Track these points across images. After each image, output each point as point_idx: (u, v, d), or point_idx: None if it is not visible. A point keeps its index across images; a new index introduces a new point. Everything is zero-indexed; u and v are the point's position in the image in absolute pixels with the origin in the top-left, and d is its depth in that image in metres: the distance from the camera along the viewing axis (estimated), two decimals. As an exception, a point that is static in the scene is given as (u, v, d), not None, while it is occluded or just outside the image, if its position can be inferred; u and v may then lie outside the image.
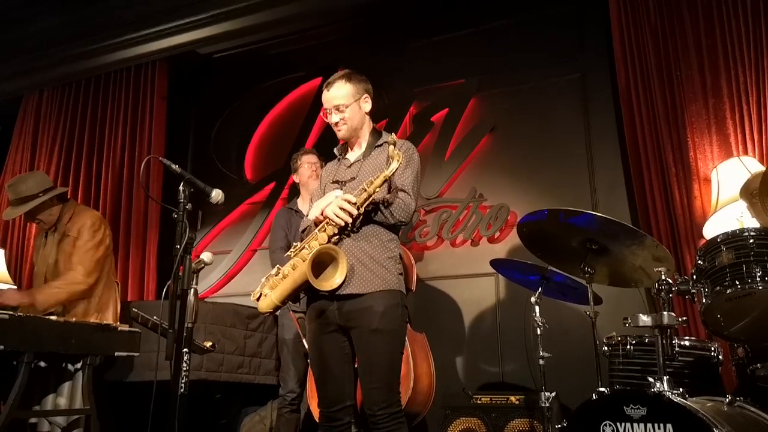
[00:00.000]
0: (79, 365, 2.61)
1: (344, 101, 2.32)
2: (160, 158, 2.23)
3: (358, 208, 2.12)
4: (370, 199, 2.12)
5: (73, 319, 2.64)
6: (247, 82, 4.95)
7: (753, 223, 2.61)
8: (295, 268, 2.13)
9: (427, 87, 4.30)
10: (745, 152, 3.10)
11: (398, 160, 2.10)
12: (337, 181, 2.36)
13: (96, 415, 2.58)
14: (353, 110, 2.33)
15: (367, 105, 2.37)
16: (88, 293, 3.00)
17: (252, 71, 4.93)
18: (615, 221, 2.33)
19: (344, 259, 2.11)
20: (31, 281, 3.14)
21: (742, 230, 2.11)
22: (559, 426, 2.01)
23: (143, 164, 3.54)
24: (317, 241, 2.15)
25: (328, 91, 2.36)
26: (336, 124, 2.34)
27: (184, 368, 1.99)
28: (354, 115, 2.33)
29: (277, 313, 3.47)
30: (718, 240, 2.12)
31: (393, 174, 2.13)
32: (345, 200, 2.11)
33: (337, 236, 2.17)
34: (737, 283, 2.00)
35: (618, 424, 1.86)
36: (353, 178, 2.30)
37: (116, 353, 2.70)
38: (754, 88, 3.16)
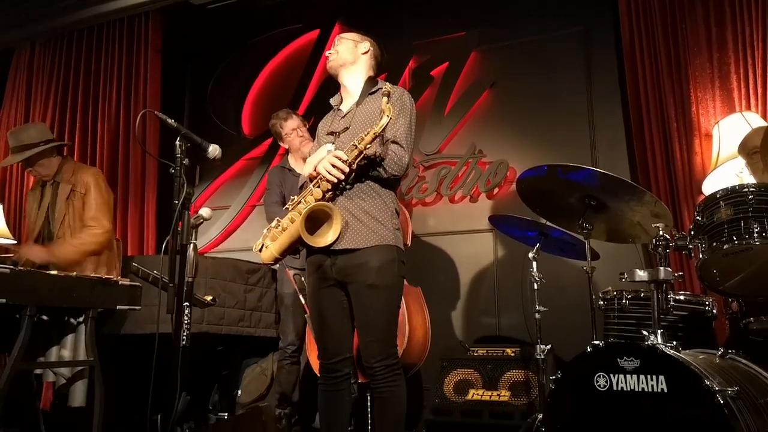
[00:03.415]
0: (81, 318, 2.64)
1: (344, 36, 2.40)
2: (156, 112, 2.20)
3: (349, 165, 2.10)
4: (362, 155, 2.11)
5: (74, 273, 2.66)
6: (243, 34, 4.84)
7: (753, 179, 2.60)
8: (293, 222, 2.13)
9: (426, 40, 4.21)
10: (748, 107, 3.06)
11: (388, 115, 2.07)
12: (331, 133, 2.34)
13: (99, 367, 2.62)
14: (347, 45, 2.38)
15: (363, 47, 2.39)
16: (102, 249, 3.06)
17: (248, 23, 4.80)
18: (614, 177, 2.32)
19: (338, 217, 2.11)
20: (27, 233, 3.16)
21: (742, 186, 2.10)
22: (554, 377, 2.05)
23: (139, 118, 3.52)
24: (312, 197, 2.14)
25: None
26: (329, 54, 2.40)
27: (185, 321, 2.01)
28: (345, 49, 2.37)
29: (276, 268, 3.52)
30: (718, 196, 2.11)
31: (383, 130, 2.10)
32: (336, 157, 2.09)
33: (332, 192, 2.16)
34: (735, 238, 2.01)
35: (611, 375, 1.90)
36: (346, 128, 2.29)
37: (118, 307, 2.73)
38: (760, 41, 3.10)
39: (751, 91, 3.09)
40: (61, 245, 2.96)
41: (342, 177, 2.11)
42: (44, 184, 3.16)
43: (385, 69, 4.14)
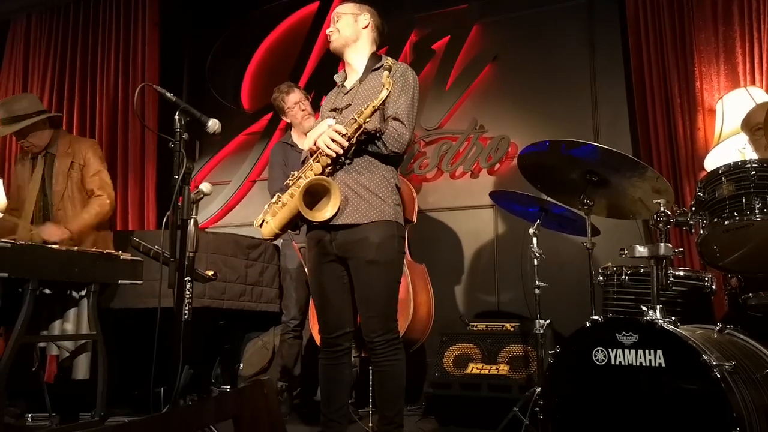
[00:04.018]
0: (83, 292, 2.66)
1: (341, 11, 2.34)
2: (155, 86, 2.18)
3: (348, 139, 2.09)
4: (361, 129, 2.09)
5: (75, 248, 2.67)
6: (242, 6, 4.77)
7: (755, 155, 2.59)
8: (293, 197, 2.13)
9: (428, 13, 4.15)
10: (753, 82, 3.03)
11: (388, 89, 2.06)
12: (335, 109, 2.32)
13: (102, 340, 2.65)
14: (346, 20, 2.32)
15: (363, 20, 2.33)
16: (108, 218, 3.10)
17: (247, -5, 4.74)
18: (616, 152, 2.30)
19: (337, 191, 2.10)
20: (17, 204, 3.14)
21: (744, 162, 2.08)
22: (552, 352, 2.07)
23: (137, 92, 3.51)
24: (312, 171, 2.13)
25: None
26: (330, 33, 2.34)
27: (187, 296, 2.03)
28: (346, 26, 2.31)
29: (279, 244, 3.53)
30: (720, 171, 2.10)
31: (383, 103, 2.08)
32: (335, 131, 2.08)
33: (331, 166, 2.15)
34: (736, 214, 2.00)
35: (610, 350, 1.91)
36: (349, 105, 2.27)
37: (119, 281, 2.75)
38: (766, 15, 3.05)
39: (756, 65, 3.05)
40: (75, 219, 2.98)
41: (341, 151, 2.10)
42: (35, 156, 3.11)
43: (386, 42, 4.13)
